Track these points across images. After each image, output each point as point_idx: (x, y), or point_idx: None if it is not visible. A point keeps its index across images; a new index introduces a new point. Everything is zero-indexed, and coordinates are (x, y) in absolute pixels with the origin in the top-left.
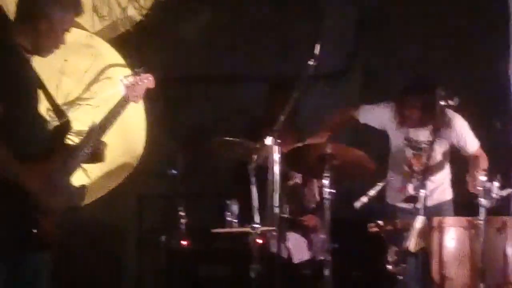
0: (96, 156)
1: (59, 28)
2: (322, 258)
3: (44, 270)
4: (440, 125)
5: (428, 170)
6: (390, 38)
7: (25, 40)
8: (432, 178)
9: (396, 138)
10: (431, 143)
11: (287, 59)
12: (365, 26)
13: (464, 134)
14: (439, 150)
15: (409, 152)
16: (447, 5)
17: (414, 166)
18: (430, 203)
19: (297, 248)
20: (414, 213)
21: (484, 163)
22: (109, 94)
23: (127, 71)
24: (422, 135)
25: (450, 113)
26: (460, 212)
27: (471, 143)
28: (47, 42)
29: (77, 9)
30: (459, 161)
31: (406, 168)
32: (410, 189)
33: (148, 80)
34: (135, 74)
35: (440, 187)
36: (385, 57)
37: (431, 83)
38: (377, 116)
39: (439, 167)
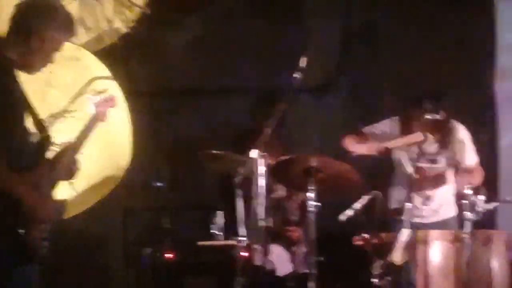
0: (68, 173)
1: (50, 47)
2: (306, 271)
3: (31, 283)
4: (446, 136)
5: (434, 183)
6: (376, 52)
7: (14, 56)
8: (437, 193)
9: (401, 151)
10: (437, 155)
11: (274, 72)
12: (352, 39)
13: (463, 145)
14: (443, 163)
15: (414, 165)
16: (434, 20)
17: (419, 179)
18: (435, 219)
19: (281, 261)
20: (419, 226)
21: (476, 178)
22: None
23: (113, 84)
24: (430, 147)
25: (454, 122)
26: None
27: (469, 156)
28: (37, 60)
29: (70, 30)
30: None
31: (411, 181)
32: (416, 202)
33: (111, 101)
34: (100, 94)
35: (445, 203)
36: (371, 71)
37: (437, 98)
38: (380, 130)
39: (444, 180)
